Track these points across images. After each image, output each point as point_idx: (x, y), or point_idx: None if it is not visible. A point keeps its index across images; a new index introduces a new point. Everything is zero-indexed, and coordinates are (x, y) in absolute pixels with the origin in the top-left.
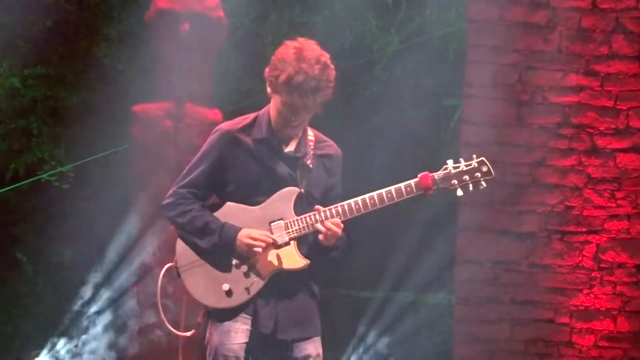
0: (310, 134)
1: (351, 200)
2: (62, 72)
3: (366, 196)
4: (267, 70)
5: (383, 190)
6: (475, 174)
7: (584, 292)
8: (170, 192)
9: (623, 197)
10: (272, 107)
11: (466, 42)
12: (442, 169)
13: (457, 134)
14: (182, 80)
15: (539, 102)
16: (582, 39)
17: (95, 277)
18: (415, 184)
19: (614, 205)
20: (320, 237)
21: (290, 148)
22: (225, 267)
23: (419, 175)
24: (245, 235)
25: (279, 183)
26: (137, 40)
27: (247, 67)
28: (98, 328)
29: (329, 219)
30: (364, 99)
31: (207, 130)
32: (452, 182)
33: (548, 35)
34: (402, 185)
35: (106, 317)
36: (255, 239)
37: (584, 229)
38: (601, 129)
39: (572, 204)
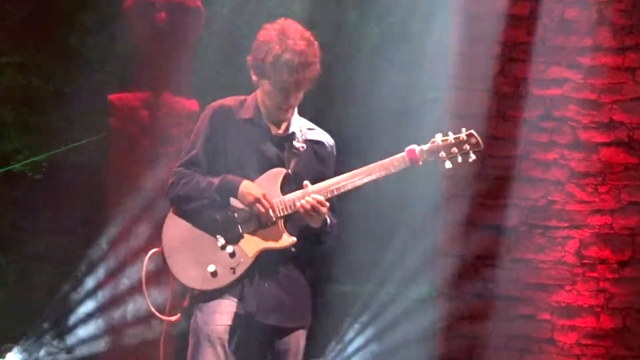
0: (301, 120)
1: (338, 177)
2: (38, 61)
3: (354, 172)
4: (249, 57)
5: (371, 165)
6: (464, 146)
7: (566, 288)
8: (170, 178)
9: (606, 191)
10: (260, 94)
11: (449, 34)
12: (429, 142)
13: (440, 127)
14: (160, 69)
15: (522, 94)
16: (565, 31)
17: (69, 269)
18: (402, 158)
19: (597, 199)
20: (304, 215)
21: (279, 131)
22: (212, 248)
23: (406, 149)
24: (247, 187)
25: (266, 163)
26: (114, 29)
27: (225, 57)
28: (74, 321)
29: (310, 195)
30: (343, 92)
31: (184, 120)
32: (440, 154)
33: (531, 27)
34: (389, 159)
35: (83, 310)
36: (256, 197)
37: (566, 224)
38: (584, 122)
39: (555, 198)
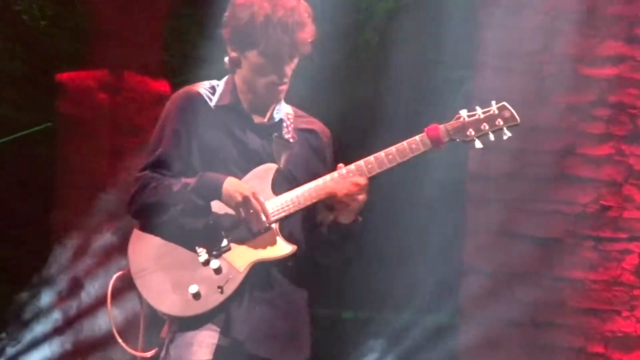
0: (288, 107)
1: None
2: None
3: (362, 161)
4: (226, 29)
5: (382, 152)
6: (496, 121)
7: (623, 314)
8: (133, 186)
9: None
10: (240, 76)
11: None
12: (454, 119)
13: None
14: (121, 43)
15: (568, 75)
16: None
17: (17, 272)
18: (422, 138)
19: None
20: (338, 205)
21: (262, 119)
22: (192, 264)
23: (426, 128)
24: (233, 185)
25: (251, 158)
26: None
27: (203, 29)
28: (26, 325)
29: (350, 177)
30: (349, 68)
31: (151, 105)
32: (468, 132)
33: None
34: (405, 142)
35: (31, 340)
36: (245, 196)
37: (623, 235)
38: None
39: (609, 203)
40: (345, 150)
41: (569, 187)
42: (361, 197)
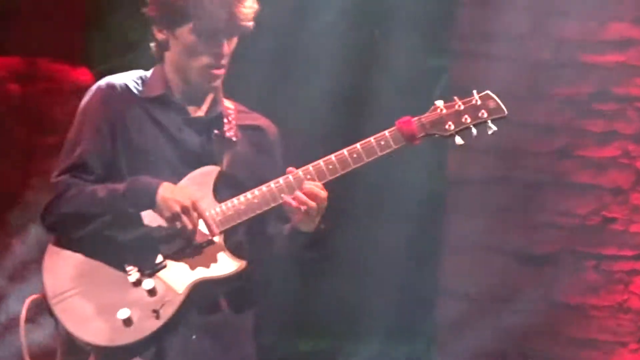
0: (228, 102)
1: (303, 168)
2: None
3: (321, 161)
4: (152, 6)
5: (345, 151)
6: (480, 112)
7: (630, 347)
8: (50, 194)
9: None
10: (171, 63)
11: None
12: (430, 110)
13: None
14: (34, 25)
15: (565, 62)
16: None
17: None
18: (392, 134)
19: None
20: (297, 217)
21: (200, 112)
22: (121, 285)
23: (398, 121)
24: (169, 191)
25: (188, 159)
26: None
27: (130, 7)
28: None
29: (306, 181)
30: (307, 54)
31: (70, 97)
32: (447, 125)
33: None
34: (372, 138)
35: None
36: (183, 205)
37: (630, 252)
38: None
39: (614, 215)
40: (306, 148)
41: (565, 196)
42: (320, 203)
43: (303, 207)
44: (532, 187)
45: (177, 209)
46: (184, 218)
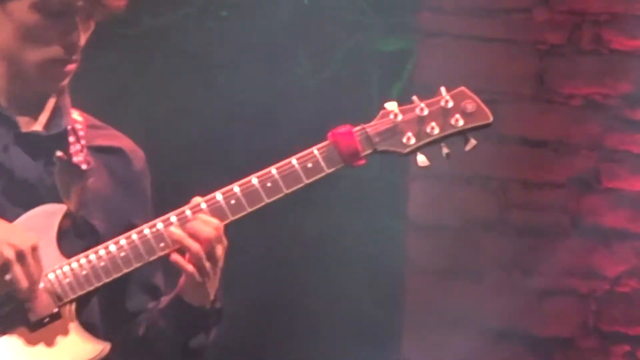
0: (76, 114)
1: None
2: None
3: (218, 193)
4: None
5: (254, 177)
6: (452, 119)
7: None
8: None
9: None
10: None
11: None
12: (378, 116)
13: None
14: None
15: (587, 47)
16: None
17: None
18: (323, 152)
19: None
20: (181, 279)
21: (37, 126)
22: None
23: (332, 132)
24: (3, 231)
25: (20, 193)
26: None
27: None
28: None
29: (196, 218)
30: (219, 36)
31: None
32: (405, 138)
33: None
34: (295, 158)
35: None
36: (19, 250)
37: None
38: None
39: None
40: (190, 175)
41: (583, 247)
42: (215, 259)
43: (195, 262)
44: (532, 235)
45: (11, 255)
46: (18, 270)
